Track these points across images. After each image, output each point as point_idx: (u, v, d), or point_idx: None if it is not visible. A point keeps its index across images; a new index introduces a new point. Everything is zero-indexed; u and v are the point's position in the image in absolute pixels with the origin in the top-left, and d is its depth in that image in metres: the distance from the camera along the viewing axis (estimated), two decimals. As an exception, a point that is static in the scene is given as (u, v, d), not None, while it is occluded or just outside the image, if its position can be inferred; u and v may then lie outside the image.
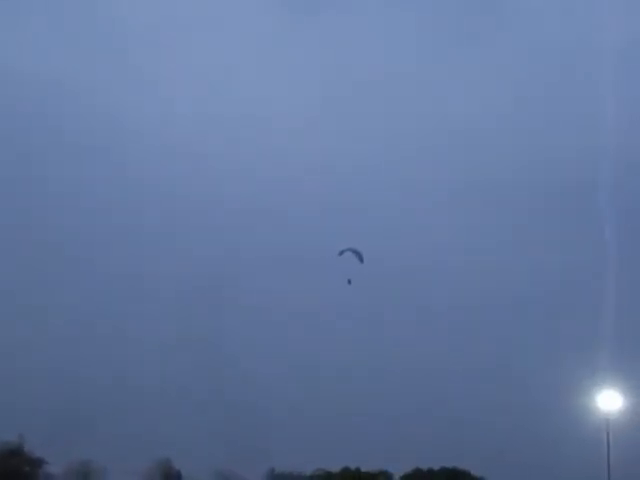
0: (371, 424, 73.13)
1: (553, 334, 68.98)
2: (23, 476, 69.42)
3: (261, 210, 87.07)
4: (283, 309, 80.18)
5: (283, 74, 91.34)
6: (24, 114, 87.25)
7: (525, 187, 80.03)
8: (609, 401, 58.34)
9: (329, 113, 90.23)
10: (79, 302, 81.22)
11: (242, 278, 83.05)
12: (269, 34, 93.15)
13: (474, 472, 72.37)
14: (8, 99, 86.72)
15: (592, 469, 58.43)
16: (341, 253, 59.52)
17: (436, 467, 73.28)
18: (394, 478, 75.31)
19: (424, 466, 73.29)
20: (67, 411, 69.91)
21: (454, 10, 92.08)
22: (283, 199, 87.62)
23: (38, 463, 70.71)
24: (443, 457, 69.64)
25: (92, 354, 76.91)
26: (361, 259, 59.65)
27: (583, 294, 68.67)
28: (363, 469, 73.69)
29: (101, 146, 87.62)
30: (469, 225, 78.63)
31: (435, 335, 76.05)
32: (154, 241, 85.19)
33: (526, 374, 68.25)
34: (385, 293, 75.34)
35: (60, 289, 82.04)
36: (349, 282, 60.61)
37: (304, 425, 73.10)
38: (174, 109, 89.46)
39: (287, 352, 78.79)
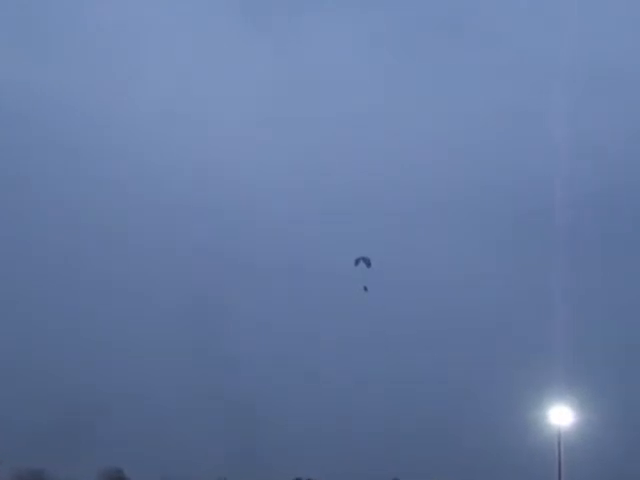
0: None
1: (503, 349, 69.27)
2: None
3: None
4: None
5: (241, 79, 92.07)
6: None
7: (485, 206, 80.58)
8: (561, 416, 58.70)
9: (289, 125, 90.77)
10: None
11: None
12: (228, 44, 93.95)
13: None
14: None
15: (544, 485, 58.82)
16: (357, 263, 60.19)
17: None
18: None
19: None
20: (30, 417, 70.09)
21: (419, 31, 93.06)
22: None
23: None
24: (393, 473, 69.75)
25: (70, 361, 77.26)
26: (368, 264, 60.30)
27: (534, 310, 69.07)
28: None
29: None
30: (426, 243, 79.18)
31: (401, 351, 76.05)
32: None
33: (476, 389, 68.41)
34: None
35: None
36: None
37: (271, 436, 73.20)
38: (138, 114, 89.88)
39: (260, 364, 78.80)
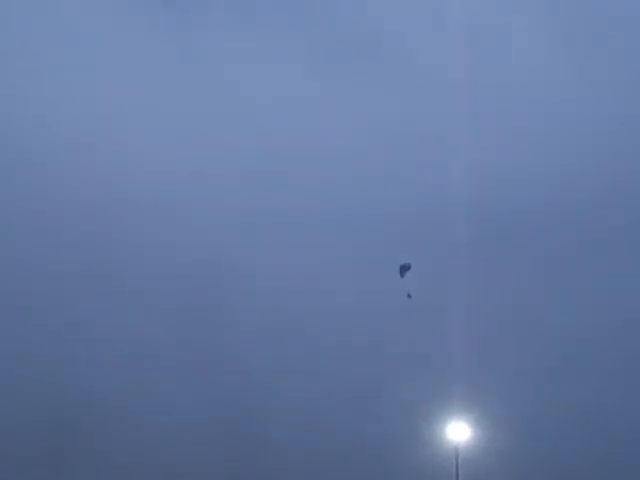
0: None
1: (399, 364, 69.57)
2: None
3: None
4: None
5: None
6: None
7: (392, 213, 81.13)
8: (458, 431, 59.10)
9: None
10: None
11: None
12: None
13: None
14: None
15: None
16: (402, 273, 58.97)
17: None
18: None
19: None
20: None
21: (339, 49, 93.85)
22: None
23: None
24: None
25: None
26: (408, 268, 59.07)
27: (431, 324, 69.60)
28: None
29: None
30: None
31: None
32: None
33: (371, 405, 68.46)
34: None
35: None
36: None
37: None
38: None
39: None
